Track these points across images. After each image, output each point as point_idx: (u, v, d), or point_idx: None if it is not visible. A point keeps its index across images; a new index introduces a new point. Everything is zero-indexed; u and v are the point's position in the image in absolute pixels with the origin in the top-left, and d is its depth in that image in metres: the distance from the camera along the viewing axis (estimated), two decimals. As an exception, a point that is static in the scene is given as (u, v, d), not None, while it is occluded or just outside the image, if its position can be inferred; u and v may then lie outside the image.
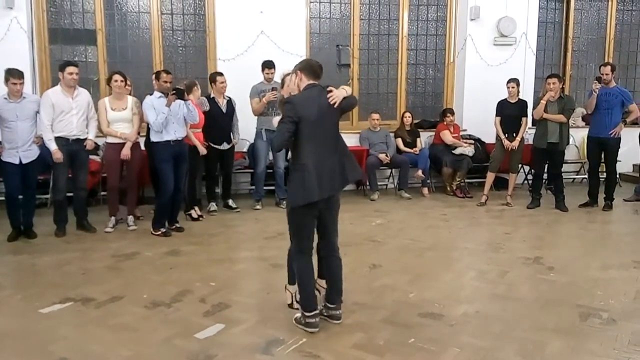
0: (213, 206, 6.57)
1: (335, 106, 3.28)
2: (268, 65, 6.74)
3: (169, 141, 5.44)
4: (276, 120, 3.40)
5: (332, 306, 3.40)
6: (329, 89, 3.30)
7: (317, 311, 3.31)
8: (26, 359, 2.98)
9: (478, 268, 4.55)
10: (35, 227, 5.51)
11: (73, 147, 5.45)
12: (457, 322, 3.44)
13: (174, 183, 5.50)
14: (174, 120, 5.44)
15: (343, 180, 3.35)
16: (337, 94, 3.28)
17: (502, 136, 6.90)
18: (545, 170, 6.96)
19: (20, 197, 5.37)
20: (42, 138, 5.33)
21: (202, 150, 5.99)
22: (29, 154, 5.28)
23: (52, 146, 5.30)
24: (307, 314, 3.27)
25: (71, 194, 5.66)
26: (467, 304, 3.72)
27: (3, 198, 5.42)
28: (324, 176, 3.22)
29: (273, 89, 6.51)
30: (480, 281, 4.24)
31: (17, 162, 5.20)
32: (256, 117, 6.75)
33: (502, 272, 4.41)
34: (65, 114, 5.38)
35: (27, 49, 6.96)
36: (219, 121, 6.36)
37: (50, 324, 3.42)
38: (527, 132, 7.19)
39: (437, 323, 3.43)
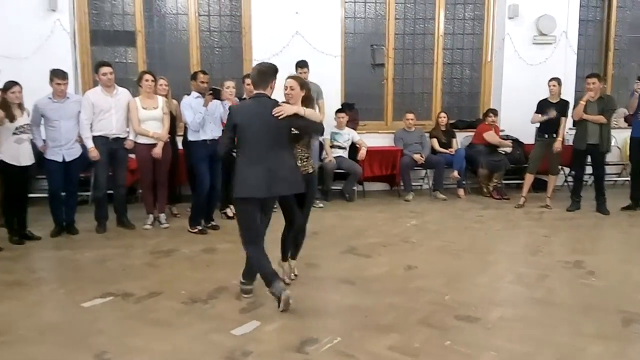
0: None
1: (279, 118, 3.51)
2: (301, 64, 6.76)
3: (205, 140, 5.52)
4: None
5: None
6: (279, 103, 3.58)
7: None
8: (68, 351, 3.07)
9: (516, 271, 4.46)
10: (77, 224, 5.67)
11: (113, 146, 5.59)
12: (494, 326, 3.39)
13: (209, 182, 5.58)
14: (210, 120, 5.52)
15: (268, 189, 3.54)
16: (284, 109, 3.53)
17: (544, 118, 6.67)
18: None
19: (63, 194, 5.53)
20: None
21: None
22: (72, 152, 5.44)
23: (89, 144, 5.44)
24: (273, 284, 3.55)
25: (111, 192, 5.80)
26: (505, 308, 3.66)
27: (46, 195, 5.59)
28: (250, 179, 3.53)
29: None
30: (518, 285, 4.16)
31: (60, 160, 5.37)
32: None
33: (541, 276, 4.32)
34: (105, 113, 5.51)
35: (70, 51, 7.17)
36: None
37: (91, 318, 3.52)
38: (568, 133, 7.03)
39: (473, 326, 3.38)
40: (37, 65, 6.20)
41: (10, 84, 5.02)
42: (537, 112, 6.84)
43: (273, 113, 3.50)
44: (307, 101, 3.90)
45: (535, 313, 3.60)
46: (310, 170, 3.97)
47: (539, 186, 7.38)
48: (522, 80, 7.97)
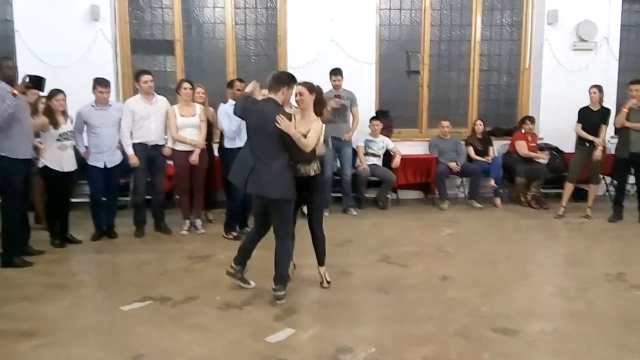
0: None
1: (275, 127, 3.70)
2: (335, 72, 6.78)
3: (240, 148, 5.57)
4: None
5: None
6: (283, 112, 3.75)
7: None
8: (107, 353, 3.14)
9: (555, 283, 4.36)
10: (116, 228, 5.81)
11: (151, 153, 5.71)
12: (533, 339, 3.31)
13: None
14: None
15: (250, 187, 3.85)
16: (283, 124, 3.69)
17: (591, 138, 6.53)
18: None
19: (104, 199, 5.68)
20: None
21: None
22: (113, 159, 5.58)
23: (129, 151, 5.57)
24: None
25: (150, 197, 5.92)
26: (544, 321, 3.57)
27: (88, 200, 5.74)
28: (238, 170, 3.94)
29: (336, 96, 6.55)
30: (558, 297, 4.06)
31: (101, 166, 5.51)
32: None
33: (582, 289, 4.20)
34: (144, 120, 5.64)
35: (111, 59, 7.38)
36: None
37: (130, 321, 3.59)
38: (609, 141, 6.83)
39: (511, 339, 3.31)
40: (80, 74, 6.43)
41: (55, 92, 5.20)
42: (578, 120, 6.68)
43: (276, 121, 3.68)
44: (319, 105, 4.00)
45: (575, 326, 3.51)
46: (312, 174, 3.95)
47: (580, 196, 7.19)
48: (561, 87, 7.80)
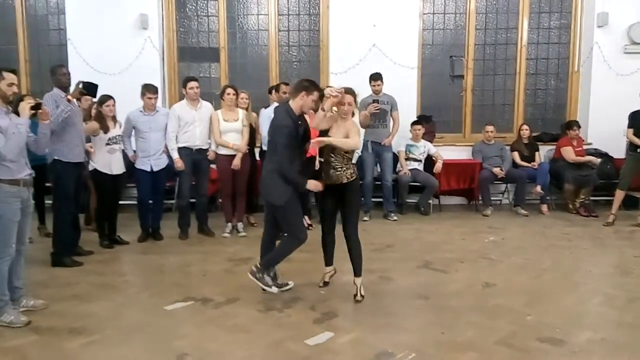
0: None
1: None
2: (375, 77, 6.76)
3: None
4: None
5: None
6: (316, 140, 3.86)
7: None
8: (152, 352, 3.22)
9: (604, 292, 4.20)
10: (162, 230, 5.95)
11: (196, 157, 5.84)
12: (581, 349, 3.20)
13: None
14: None
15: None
16: (315, 143, 3.84)
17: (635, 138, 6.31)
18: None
19: (150, 202, 5.83)
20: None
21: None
22: (160, 162, 5.73)
23: (175, 155, 5.71)
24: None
25: (194, 200, 6.04)
26: (592, 331, 3.46)
27: (135, 202, 5.91)
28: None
29: (374, 101, 6.52)
30: (607, 307, 3.91)
31: (148, 169, 5.67)
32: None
33: (632, 299, 4.04)
34: (189, 125, 5.77)
35: (159, 66, 7.60)
36: (322, 135, 6.40)
37: (173, 321, 3.67)
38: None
39: (558, 349, 3.21)
40: (128, 81, 6.62)
41: (105, 98, 5.38)
42: (629, 125, 6.44)
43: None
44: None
45: (624, 337, 3.37)
46: (345, 181, 3.94)
47: (631, 203, 6.93)
48: (612, 92, 7.54)
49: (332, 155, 3.93)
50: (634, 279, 4.54)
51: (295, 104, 3.87)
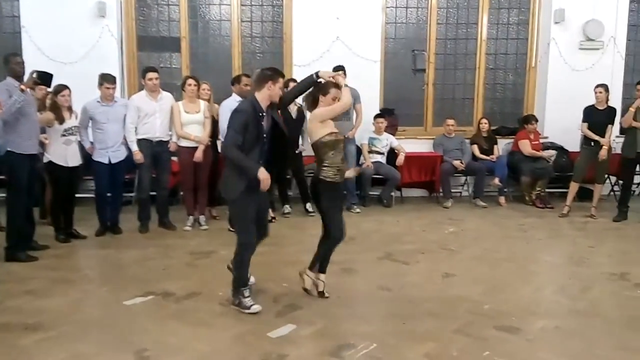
0: (287, 208, 6.69)
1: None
2: (337, 69, 6.75)
3: None
4: None
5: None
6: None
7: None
8: (110, 348, 3.16)
9: (558, 282, 4.35)
10: (121, 224, 5.83)
11: (156, 149, 5.73)
12: (535, 337, 3.30)
13: None
14: None
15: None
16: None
17: (596, 138, 6.51)
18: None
19: (109, 195, 5.70)
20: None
21: None
22: (118, 155, 5.60)
23: (134, 147, 5.60)
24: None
25: (154, 193, 5.94)
26: (546, 319, 3.57)
27: (93, 195, 5.77)
28: None
29: None
30: (561, 296, 4.05)
31: (106, 162, 5.54)
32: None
33: (585, 288, 4.19)
34: (149, 116, 5.66)
35: (117, 56, 7.41)
36: (287, 127, 6.38)
37: (133, 316, 3.61)
38: (615, 141, 6.80)
39: (513, 337, 3.31)
40: (85, 70, 6.44)
41: (61, 88, 5.23)
42: (584, 119, 6.65)
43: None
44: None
45: (578, 325, 3.50)
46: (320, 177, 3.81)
47: (584, 195, 7.16)
48: (567, 86, 7.76)
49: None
50: (587, 269, 4.71)
51: (262, 95, 3.66)
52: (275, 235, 5.75)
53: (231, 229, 5.73)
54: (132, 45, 7.65)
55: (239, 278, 3.73)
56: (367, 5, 7.68)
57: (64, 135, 5.26)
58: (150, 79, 5.64)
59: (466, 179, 7.87)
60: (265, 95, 3.67)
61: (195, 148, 5.75)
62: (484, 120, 7.67)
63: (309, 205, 6.71)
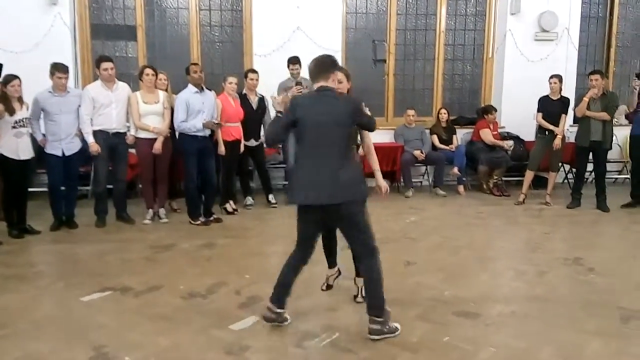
0: (249, 200, 6.63)
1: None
2: (293, 61, 6.73)
3: (196, 136, 5.57)
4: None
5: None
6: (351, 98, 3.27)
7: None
8: (67, 345, 3.07)
9: (515, 268, 4.46)
10: (77, 218, 5.67)
11: (113, 141, 5.58)
12: (493, 322, 3.39)
13: (205, 176, 5.74)
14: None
15: (329, 196, 3.07)
16: None
17: (551, 127, 6.69)
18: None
19: (63, 188, 5.53)
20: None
21: (221, 150, 5.97)
22: (72, 147, 5.43)
23: (90, 139, 5.44)
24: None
25: (111, 186, 5.79)
26: (504, 304, 3.66)
27: (46, 189, 5.58)
28: (307, 184, 3.10)
29: (297, 83, 6.52)
30: (518, 281, 4.16)
31: (60, 154, 5.36)
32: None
33: (540, 273, 4.31)
34: (105, 107, 5.50)
35: (70, 44, 7.15)
36: (248, 117, 6.35)
37: (90, 312, 3.52)
38: (569, 130, 7.00)
39: (472, 322, 3.38)
40: (37, 59, 6.18)
41: (10, 78, 5.02)
42: (538, 109, 6.83)
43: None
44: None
45: (534, 309, 3.60)
46: None
47: (539, 183, 7.36)
48: (523, 77, 7.94)
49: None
50: (543, 254, 4.85)
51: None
52: (238, 227, 5.74)
53: (192, 222, 5.67)
54: (85, 33, 7.40)
55: (382, 297, 3.14)
56: (327, -5, 7.65)
57: (14, 127, 5.06)
58: (105, 69, 5.48)
59: (426, 169, 7.97)
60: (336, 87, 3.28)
61: (154, 139, 5.62)
62: (443, 111, 7.78)
63: (271, 197, 6.67)
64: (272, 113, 6.72)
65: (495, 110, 7.70)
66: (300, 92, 6.46)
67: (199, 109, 5.59)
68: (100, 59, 5.60)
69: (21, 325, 3.30)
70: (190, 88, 5.67)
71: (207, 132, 5.71)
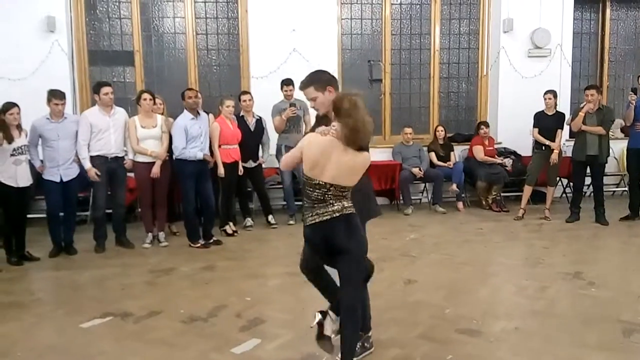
0: (249, 222, 6.62)
1: None
2: (287, 82, 6.76)
3: (193, 160, 5.63)
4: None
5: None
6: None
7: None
8: (68, 372, 3.05)
9: (516, 283, 4.45)
10: (76, 244, 5.65)
11: (112, 165, 5.60)
12: (496, 339, 3.37)
13: (203, 199, 5.78)
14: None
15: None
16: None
17: (547, 142, 6.74)
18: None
19: (61, 214, 5.52)
20: (80, 157, 5.51)
21: (220, 173, 6.00)
22: (70, 172, 5.44)
23: (87, 165, 5.45)
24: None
25: (110, 211, 5.79)
26: (506, 320, 3.65)
27: (45, 215, 5.58)
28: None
29: (291, 105, 6.56)
30: (519, 297, 4.15)
31: (58, 180, 5.37)
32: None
33: (541, 288, 4.30)
34: (104, 132, 5.53)
35: (68, 71, 7.21)
36: (246, 139, 6.39)
37: (91, 339, 3.49)
38: (565, 145, 7.03)
39: (475, 339, 3.36)
40: (35, 86, 6.24)
41: (9, 106, 5.05)
42: (534, 125, 6.88)
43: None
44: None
45: (536, 325, 3.59)
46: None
47: (538, 198, 7.39)
48: (518, 93, 8.01)
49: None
50: (543, 269, 4.84)
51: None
52: (238, 249, 5.73)
53: (192, 244, 5.66)
54: (83, 60, 7.46)
55: (364, 318, 3.12)
56: (322, 17, 7.74)
57: (13, 155, 5.07)
58: (106, 94, 5.52)
59: (425, 186, 7.99)
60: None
61: (152, 163, 5.64)
62: (440, 128, 7.83)
63: (271, 218, 6.67)
64: (270, 134, 6.77)
65: (487, 126, 7.74)
66: (295, 113, 6.54)
67: (197, 134, 5.65)
68: (99, 84, 5.65)
69: (21, 353, 3.27)
70: (186, 114, 5.71)
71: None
